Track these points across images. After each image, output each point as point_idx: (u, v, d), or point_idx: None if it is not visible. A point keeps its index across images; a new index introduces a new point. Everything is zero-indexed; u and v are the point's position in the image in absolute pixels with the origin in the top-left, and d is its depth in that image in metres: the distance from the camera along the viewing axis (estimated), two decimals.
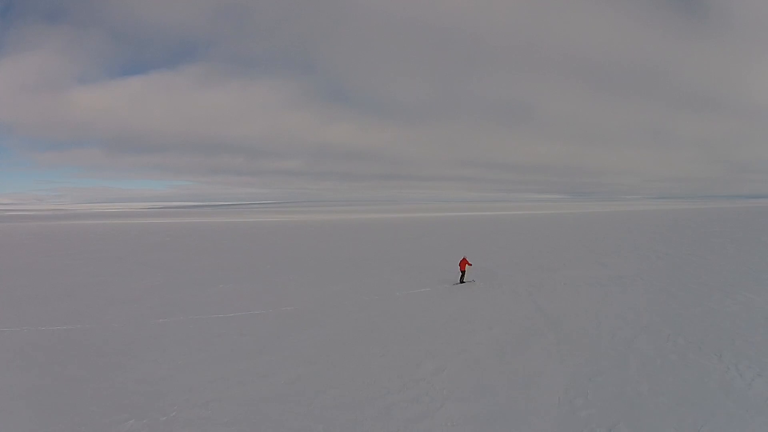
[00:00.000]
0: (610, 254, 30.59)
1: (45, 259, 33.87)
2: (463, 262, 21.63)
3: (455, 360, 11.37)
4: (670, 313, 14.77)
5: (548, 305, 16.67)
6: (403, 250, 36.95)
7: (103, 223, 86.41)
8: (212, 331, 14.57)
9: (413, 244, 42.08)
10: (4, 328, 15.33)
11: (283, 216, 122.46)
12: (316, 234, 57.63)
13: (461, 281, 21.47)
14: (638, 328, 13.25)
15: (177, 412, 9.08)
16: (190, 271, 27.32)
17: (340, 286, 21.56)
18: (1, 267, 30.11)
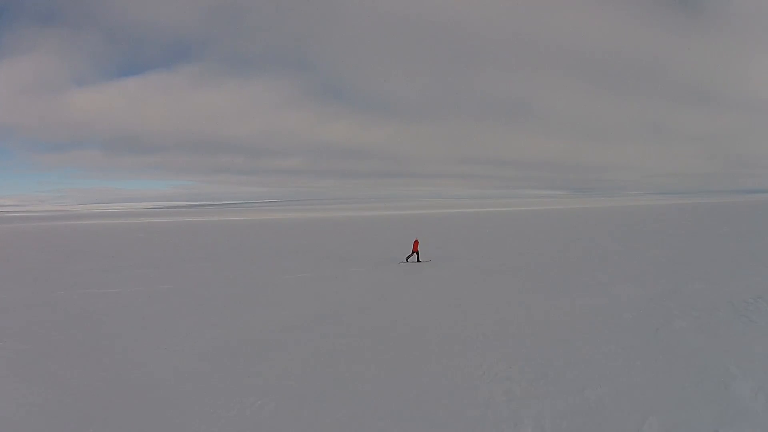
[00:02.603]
0: (545, 246, 30.48)
1: (11, 253, 35.11)
2: (416, 244, 23.92)
3: (221, 336, 11.67)
4: (520, 305, 13.90)
5: (396, 293, 16.56)
6: (355, 242, 37.37)
7: (92, 223, 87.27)
8: (85, 301, 16.35)
9: (373, 237, 42.43)
10: None
11: (275, 214, 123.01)
12: (288, 230, 57.88)
13: (412, 260, 23.69)
14: (453, 321, 12.32)
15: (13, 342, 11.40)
16: (125, 259, 28.45)
17: (240, 271, 22.45)
18: None
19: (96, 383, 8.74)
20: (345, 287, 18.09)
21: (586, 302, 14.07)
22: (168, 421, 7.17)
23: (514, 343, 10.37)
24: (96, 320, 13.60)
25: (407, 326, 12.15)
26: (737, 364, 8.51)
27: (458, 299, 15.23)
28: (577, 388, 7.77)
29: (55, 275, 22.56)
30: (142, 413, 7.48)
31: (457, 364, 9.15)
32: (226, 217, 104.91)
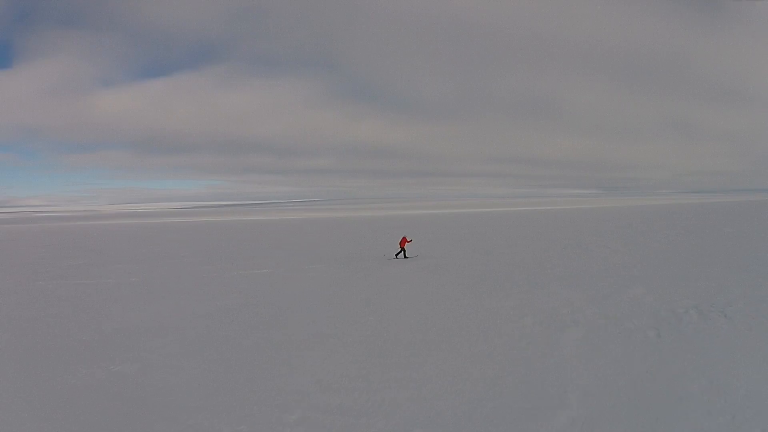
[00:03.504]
0: (528, 245, 29.41)
1: (12, 250, 37.85)
2: (403, 240, 24.65)
3: (138, 320, 13.40)
4: (434, 305, 13.46)
5: (326, 289, 16.89)
6: (356, 240, 38.04)
7: (109, 223, 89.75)
8: (57, 290, 18.32)
9: (379, 236, 42.38)
10: None
11: (298, 214, 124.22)
12: (299, 229, 58.50)
13: (401, 256, 24.43)
14: (345, 320, 12.23)
15: None
16: (116, 256, 30.06)
17: (207, 267, 23.82)
18: None
19: (29, 345, 11.23)
20: (284, 284, 18.59)
21: (501, 304, 13.63)
22: (73, 370, 9.37)
23: (382, 344, 10.23)
24: (56, 304, 15.65)
25: (292, 322, 12.46)
26: (585, 387, 7.41)
27: (380, 299, 14.99)
28: (382, 389, 7.74)
29: (44, 269, 24.50)
30: (52, 365, 9.74)
31: (306, 356, 9.68)
32: (248, 217, 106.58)
